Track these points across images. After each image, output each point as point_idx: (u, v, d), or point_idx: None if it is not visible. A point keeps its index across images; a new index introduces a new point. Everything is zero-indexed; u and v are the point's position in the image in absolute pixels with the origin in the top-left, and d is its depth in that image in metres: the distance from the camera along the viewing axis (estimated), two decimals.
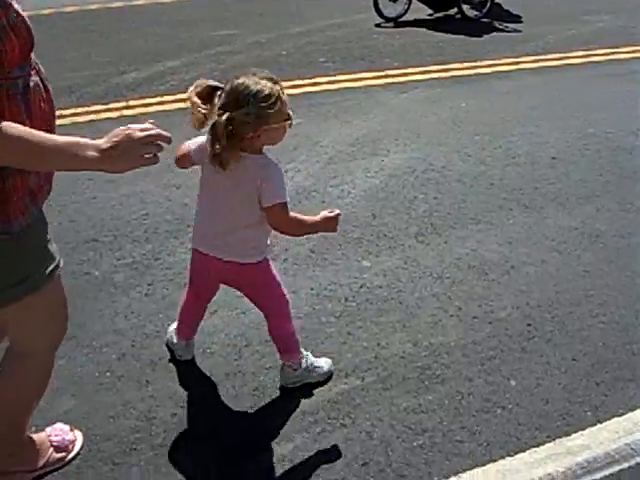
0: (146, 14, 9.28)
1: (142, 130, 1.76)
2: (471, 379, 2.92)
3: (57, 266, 2.09)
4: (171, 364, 2.98)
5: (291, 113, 2.41)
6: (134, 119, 5.53)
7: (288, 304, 2.76)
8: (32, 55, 1.85)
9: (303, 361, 2.84)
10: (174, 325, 3.01)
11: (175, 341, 2.98)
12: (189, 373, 2.94)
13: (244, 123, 2.28)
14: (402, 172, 4.75)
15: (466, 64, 7.14)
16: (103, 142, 1.74)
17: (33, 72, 1.85)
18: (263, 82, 2.30)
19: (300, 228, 2.56)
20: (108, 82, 6.36)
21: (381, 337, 3.16)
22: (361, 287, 3.52)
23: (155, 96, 5.99)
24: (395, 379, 2.92)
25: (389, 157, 4.99)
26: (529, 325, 3.26)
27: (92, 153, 1.72)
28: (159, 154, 1.79)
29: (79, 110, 5.60)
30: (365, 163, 4.89)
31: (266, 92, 2.28)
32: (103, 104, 5.80)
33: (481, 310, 3.36)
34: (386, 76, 6.72)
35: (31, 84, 1.83)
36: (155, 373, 2.93)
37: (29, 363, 2.23)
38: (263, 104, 2.27)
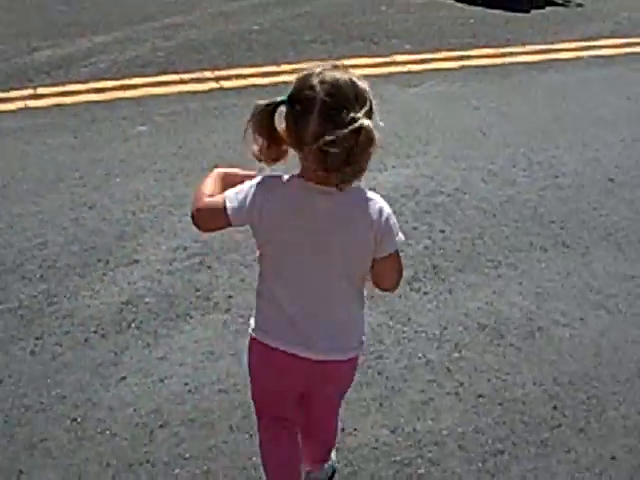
0: None
1: None
2: None
3: None
4: (55, 449, 2.97)
5: None
6: (43, 112, 5.59)
7: None
8: None
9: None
10: None
11: None
12: (79, 462, 2.93)
13: None
14: (400, 195, 4.79)
15: (503, 50, 7.26)
16: None
17: None
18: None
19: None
20: (12, 62, 6.44)
21: (347, 419, 3.14)
22: None
23: (75, 82, 6.05)
24: (361, 478, 2.91)
25: (385, 174, 5.03)
26: (555, 409, 3.26)
27: None
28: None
29: None
30: None
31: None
32: (1, 91, 5.87)
33: (490, 386, 3.36)
34: (392, 63, 6.83)
35: None
36: (32, 460, 2.93)
37: None
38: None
